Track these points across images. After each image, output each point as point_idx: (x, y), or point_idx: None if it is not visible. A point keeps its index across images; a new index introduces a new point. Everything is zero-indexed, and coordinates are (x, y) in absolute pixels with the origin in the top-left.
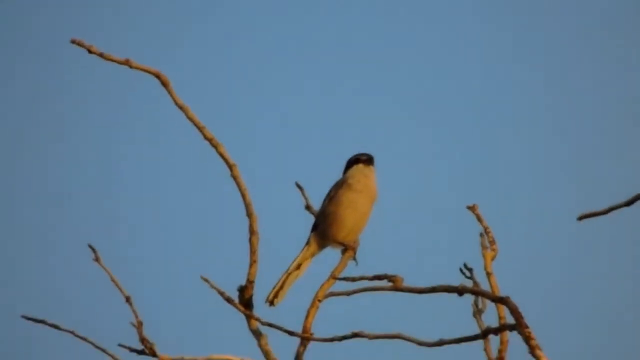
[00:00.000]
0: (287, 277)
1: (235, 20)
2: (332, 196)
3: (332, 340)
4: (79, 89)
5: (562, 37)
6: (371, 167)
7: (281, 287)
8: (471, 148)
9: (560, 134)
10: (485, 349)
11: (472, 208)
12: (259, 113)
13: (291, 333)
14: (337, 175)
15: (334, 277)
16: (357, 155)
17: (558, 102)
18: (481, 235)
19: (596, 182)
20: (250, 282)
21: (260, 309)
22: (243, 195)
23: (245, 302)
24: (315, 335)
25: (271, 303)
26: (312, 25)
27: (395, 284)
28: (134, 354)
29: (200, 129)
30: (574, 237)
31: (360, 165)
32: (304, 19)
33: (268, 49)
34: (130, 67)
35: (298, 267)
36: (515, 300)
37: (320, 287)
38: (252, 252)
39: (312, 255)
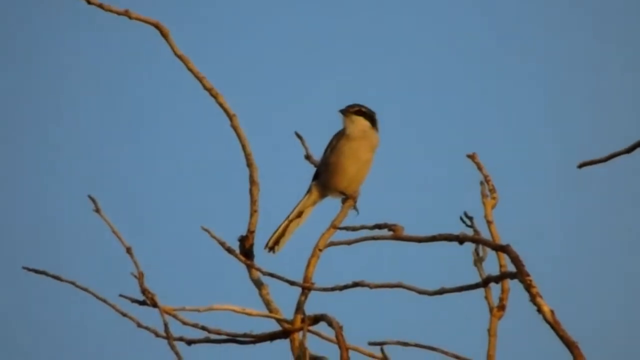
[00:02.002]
0: (288, 225)
1: None
2: (333, 146)
3: (333, 289)
4: (78, 40)
5: None
6: (360, 117)
7: (282, 234)
8: (471, 96)
9: (561, 83)
10: (486, 297)
11: (471, 156)
12: (259, 63)
13: (292, 283)
14: (338, 125)
15: (334, 226)
16: (349, 105)
17: (560, 49)
18: (481, 183)
19: (596, 130)
20: (250, 232)
21: (261, 259)
22: (243, 146)
23: (246, 252)
24: (316, 285)
25: (271, 249)
26: None
27: (395, 233)
28: (135, 305)
29: (200, 79)
30: (574, 185)
31: (354, 116)
32: None
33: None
34: (130, 17)
35: (299, 215)
36: (516, 248)
37: (321, 237)
38: (253, 202)
39: (313, 203)
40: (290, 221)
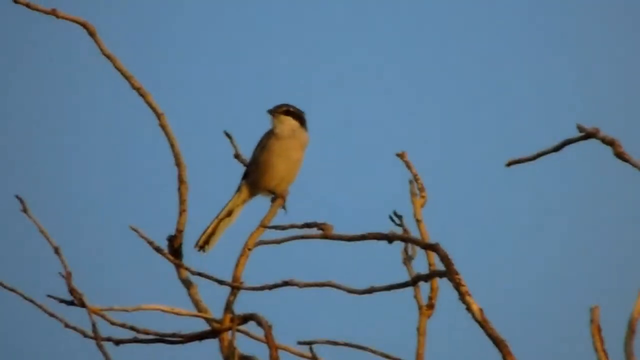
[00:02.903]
0: (217, 224)
1: None
2: (263, 145)
3: (262, 289)
4: (3, 39)
5: None
6: (289, 117)
7: (212, 234)
8: (400, 92)
9: (492, 77)
10: (415, 296)
11: (401, 155)
12: (187, 60)
13: (221, 282)
14: (267, 125)
15: (263, 225)
16: (278, 105)
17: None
18: (410, 182)
19: (526, 128)
20: (179, 231)
21: (190, 258)
22: (172, 145)
23: (175, 251)
24: (246, 284)
25: (201, 248)
26: None
27: (325, 232)
28: (63, 305)
29: (127, 78)
30: (503, 183)
31: (282, 116)
32: None
33: None
34: (57, 17)
35: (229, 214)
36: (445, 247)
37: (250, 236)
38: (182, 201)
39: (243, 202)
40: (220, 220)
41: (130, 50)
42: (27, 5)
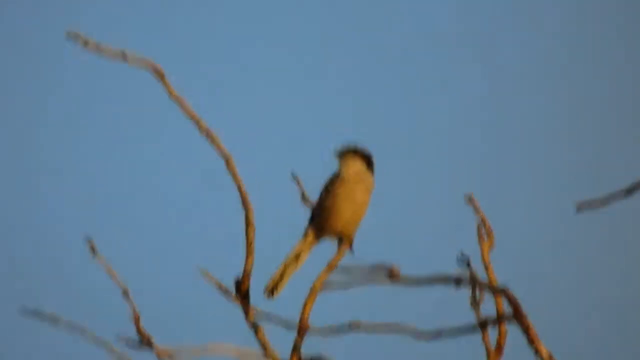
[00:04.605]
0: (285, 268)
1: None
2: (328, 188)
3: (329, 332)
4: (69, 80)
5: None
6: (356, 158)
7: (280, 278)
8: (467, 137)
9: (559, 124)
10: (483, 340)
11: (469, 198)
12: (255, 103)
13: (289, 324)
14: (334, 167)
15: (330, 267)
16: (345, 147)
17: (556, 97)
18: (478, 225)
19: (597, 171)
20: (247, 274)
21: (257, 300)
22: (239, 187)
23: (242, 294)
24: (313, 327)
25: (270, 294)
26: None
27: (392, 275)
28: (132, 347)
29: (196, 121)
30: (572, 226)
31: (349, 158)
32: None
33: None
34: (126, 60)
35: (296, 258)
36: (513, 290)
37: (317, 278)
38: (249, 244)
39: (310, 246)
40: (287, 265)
41: (197, 90)
42: (97, 49)
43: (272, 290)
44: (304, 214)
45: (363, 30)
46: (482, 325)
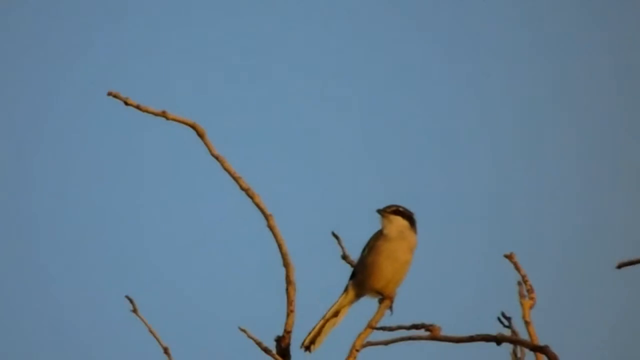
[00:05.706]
0: (324, 324)
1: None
2: (371, 246)
3: None
4: (109, 138)
5: None
6: (399, 217)
7: (318, 334)
8: (508, 197)
9: (597, 182)
10: None
11: (509, 256)
12: (293, 159)
13: None
14: (376, 225)
15: (371, 326)
16: (388, 205)
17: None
18: (519, 283)
19: (638, 230)
20: (287, 332)
21: (297, 358)
22: (280, 245)
23: (283, 352)
24: None
25: (307, 348)
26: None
27: (432, 333)
28: None
29: (236, 179)
30: (613, 284)
31: (392, 217)
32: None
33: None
34: (167, 118)
35: (335, 314)
36: (554, 349)
37: (358, 337)
38: (289, 302)
39: (350, 303)
40: (327, 320)
41: (237, 145)
42: (138, 108)
43: (309, 345)
44: (345, 272)
45: (407, 95)
46: None
